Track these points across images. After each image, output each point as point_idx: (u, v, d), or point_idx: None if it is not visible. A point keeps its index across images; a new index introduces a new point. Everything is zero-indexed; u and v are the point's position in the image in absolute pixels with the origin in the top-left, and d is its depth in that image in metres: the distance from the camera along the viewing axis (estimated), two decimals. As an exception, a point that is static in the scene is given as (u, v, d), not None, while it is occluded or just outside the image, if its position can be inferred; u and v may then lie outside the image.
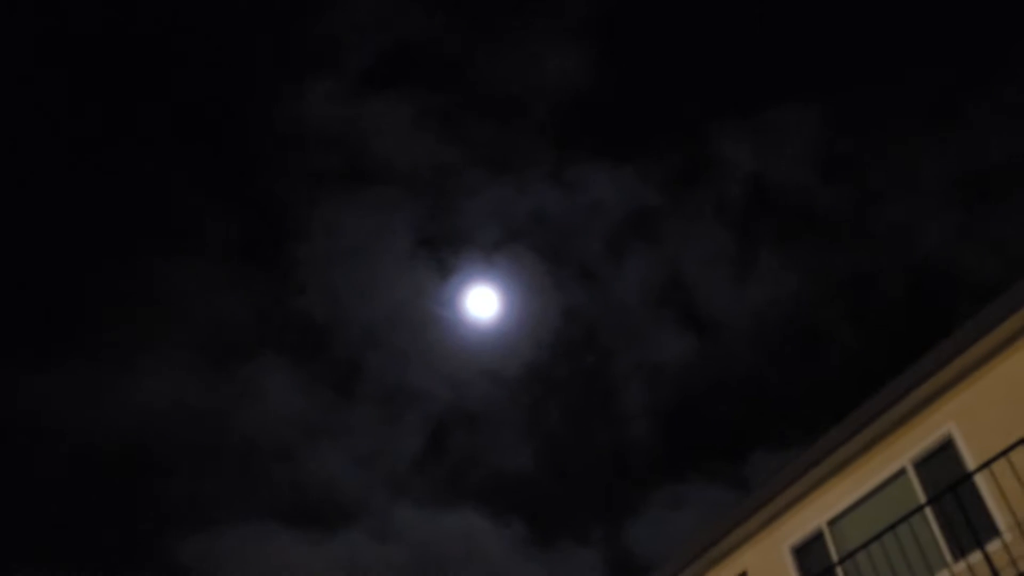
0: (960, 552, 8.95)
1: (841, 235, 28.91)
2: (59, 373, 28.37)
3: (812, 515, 10.86)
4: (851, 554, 9.18)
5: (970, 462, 9.14)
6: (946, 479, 9.31)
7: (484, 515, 30.16)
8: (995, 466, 8.48)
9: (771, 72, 28.85)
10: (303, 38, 28.48)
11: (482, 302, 26.70)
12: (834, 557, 10.29)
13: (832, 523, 10.59)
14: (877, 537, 8.93)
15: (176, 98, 28.32)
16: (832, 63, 28.09)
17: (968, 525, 8.66)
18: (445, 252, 29.17)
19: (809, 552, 10.82)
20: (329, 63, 29.27)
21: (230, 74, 28.98)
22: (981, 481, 8.91)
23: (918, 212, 27.72)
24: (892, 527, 8.82)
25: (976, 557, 8.67)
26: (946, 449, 9.56)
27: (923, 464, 9.75)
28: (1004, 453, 8.00)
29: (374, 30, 29.02)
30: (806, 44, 28.44)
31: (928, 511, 9.28)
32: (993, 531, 8.69)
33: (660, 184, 30.92)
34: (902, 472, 9.90)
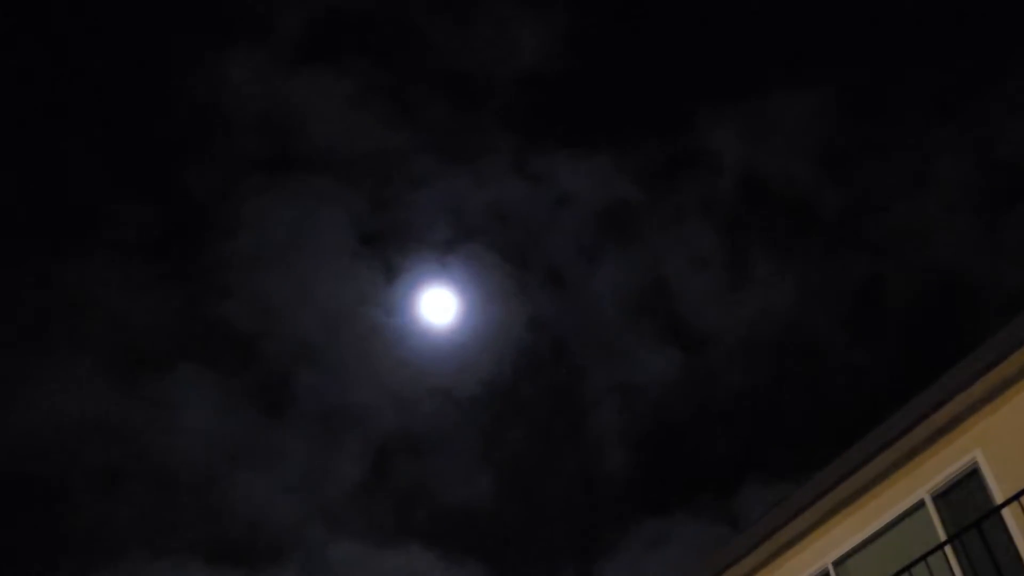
0: (985, 596, 9.02)
1: (844, 238, 29.18)
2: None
3: (815, 554, 10.90)
4: (862, 598, 9.23)
5: (997, 494, 9.22)
6: (970, 513, 9.38)
7: (434, 553, 29.87)
8: (1026, 499, 8.54)
9: (767, 53, 29.06)
10: (226, 2, 28.18)
11: (433, 310, 26.54)
12: (841, 602, 10.36)
13: (839, 563, 10.64)
14: (892, 579, 8.98)
15: (79, 72, 27.87)
16: (837, 44, 28.37)
17: (994, 565, 8.73)
18: (391, 252, 29.01)
19: (813, 596, 10.88)
20: (257, 32, 28.98)
21: (141, 44, 28.58)
22: (1009, 516, 8.99)
23: (931, 213, 28.09)
24: (908, 568, 8.85)
25: (1003, 602, 8.74)
26: (970, 479, 9.64)
27: (944, 496, 9.83)
28: (1037, 483, 8.08)
29: (310, -7, 28.77)
30: (807, 22, 28.72)
31: (949, 549, 9.33)
32: (1022, 572, 8.77)
33: (639, 177, 30.96)
34: (920, 505, 9.97)
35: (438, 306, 26.31)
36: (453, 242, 28.01)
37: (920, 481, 10.02)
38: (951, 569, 9.30)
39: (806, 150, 29.95)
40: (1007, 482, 9.17)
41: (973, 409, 9.75)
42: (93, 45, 27.53)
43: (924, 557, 8.70)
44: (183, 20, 27.72)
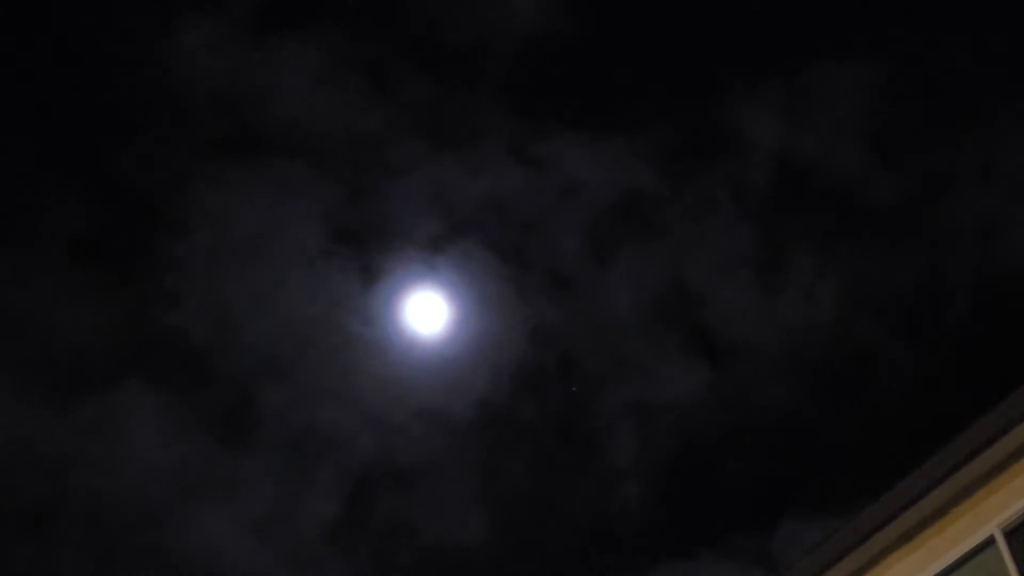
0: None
1: (898, 234, 29.11)
2: None
3: (867, 601, 10.84)
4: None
5: (1080, 529, 9.17)
6: (1048, 552, 9.34)
7: (420, 603, 29.90)
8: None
9: (809, 16, 29.04)
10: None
11: (420, 318, 26.50)
12: (898, 656, 10.31)
13: (895, 611, 10.58)
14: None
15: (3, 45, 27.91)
16: (892, 6, 28.36)
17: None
18: (369, 251, 28.88)
19: (865, 649, 10.82)
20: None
21: (77, 13, 28.61)
22: (1095, 555, 8.93)
23: (998, 204, 28.01)
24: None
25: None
26: (1048, 512, 9.61)
27: (1017, 531, 9.79)
28: None
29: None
30: (855, -19, 28.70)
31: (1024, 594, 9.29)
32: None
33: (659, 163, 30.83)
34: (989, 542, 9.94)
35: (425, 314, 26.25)
36: (442, 239, 27.90)
37: (990, 514, 9.99)
38: (1026, 617, 9.27)
39: (854, 131, 29.79)
40: (1092, 515, 9.12)
41: (1052, 430, 9.70)
42: (24, 22, 27.53)
43: (995, 603, 8.65)
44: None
